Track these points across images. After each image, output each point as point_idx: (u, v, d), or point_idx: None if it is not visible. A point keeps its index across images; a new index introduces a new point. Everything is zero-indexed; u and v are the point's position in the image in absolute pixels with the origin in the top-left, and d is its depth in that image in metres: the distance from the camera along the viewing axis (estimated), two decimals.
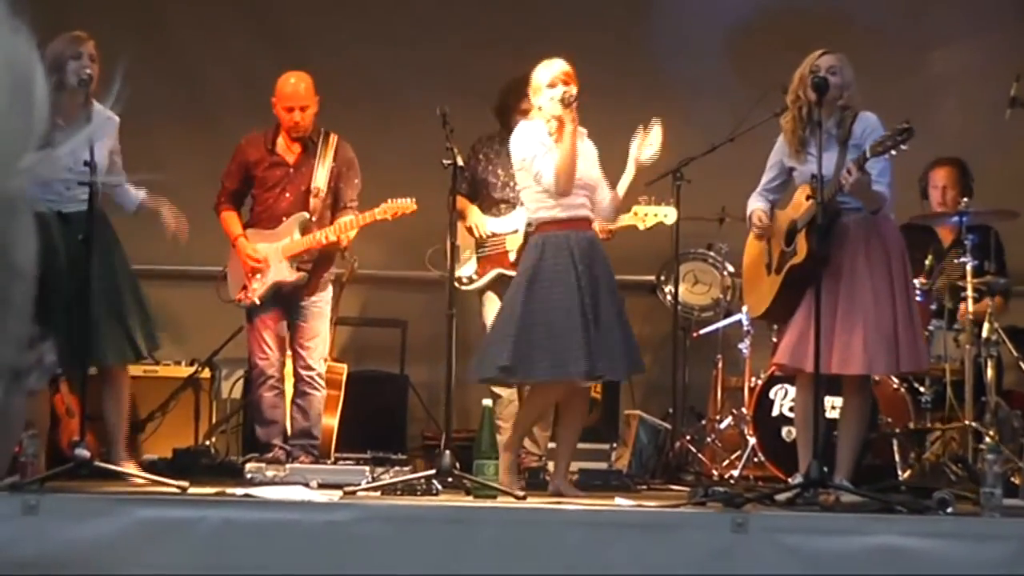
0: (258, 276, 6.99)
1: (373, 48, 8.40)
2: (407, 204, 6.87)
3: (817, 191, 5.57)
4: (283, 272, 7.01)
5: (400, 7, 8.55)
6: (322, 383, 7.07)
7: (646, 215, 6.92)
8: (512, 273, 6.55)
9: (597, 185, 6.11)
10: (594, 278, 5.93)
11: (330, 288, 7.21)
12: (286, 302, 7.04)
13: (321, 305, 7.10)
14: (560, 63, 6.03)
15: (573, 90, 5.94)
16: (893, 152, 5.47)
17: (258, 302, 6.98)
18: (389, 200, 6.92)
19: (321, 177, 7.02)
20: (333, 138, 7.09)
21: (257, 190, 7.09)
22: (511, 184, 6.99)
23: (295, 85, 6.97)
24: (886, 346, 5.67)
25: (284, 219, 7.03)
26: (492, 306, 6.89)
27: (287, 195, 7.05)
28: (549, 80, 5.98)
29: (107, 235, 6.04)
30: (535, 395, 6.28)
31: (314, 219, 7.00)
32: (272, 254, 7.00)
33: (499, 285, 6.95)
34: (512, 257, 7.01)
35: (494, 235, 7.13)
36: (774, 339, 6.53)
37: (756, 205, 6.04)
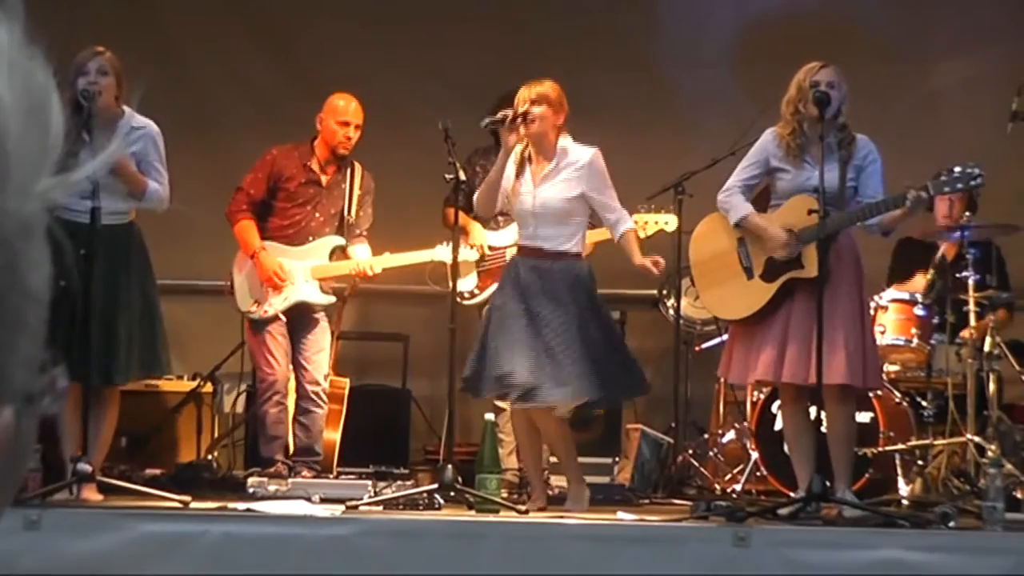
0: (279, 291, 6.91)
1: (377, 64, 8.40)
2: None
3: (820, 206, 5.61)
4: (311, 293, 6.94)
5: (411, 25, 8.54)
6: (324, 399, 7.04)
7: (646, 223, 6.92)
8: None
9: (565, 213, 5.91)
10: (537, 303, 5.83)
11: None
12: (295, 315, 7.00)
13: (325, 319, 7.08)
14: (532, 87, 5.86)
15: (518, 109, 5.78)
16: (962, 193, 6.03)
17: (283, 318, 6.93)
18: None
19: (353, 204, 7.02)
20: (358, 166, 7.08)
21: (284, 203, 6.97)
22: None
23: (348, 104, 6.96)
24: (853, 360, 5.70)
25: (311, 238, 6.97)
26: None
27: (317, 215, 6.99)
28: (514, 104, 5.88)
29: (118, 252, 5.86)
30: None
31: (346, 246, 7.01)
32: (299, 272, 6.92)
33: None
34: None
35: (493, 249, 7.12)
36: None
37: (748, 210, 5.99)
